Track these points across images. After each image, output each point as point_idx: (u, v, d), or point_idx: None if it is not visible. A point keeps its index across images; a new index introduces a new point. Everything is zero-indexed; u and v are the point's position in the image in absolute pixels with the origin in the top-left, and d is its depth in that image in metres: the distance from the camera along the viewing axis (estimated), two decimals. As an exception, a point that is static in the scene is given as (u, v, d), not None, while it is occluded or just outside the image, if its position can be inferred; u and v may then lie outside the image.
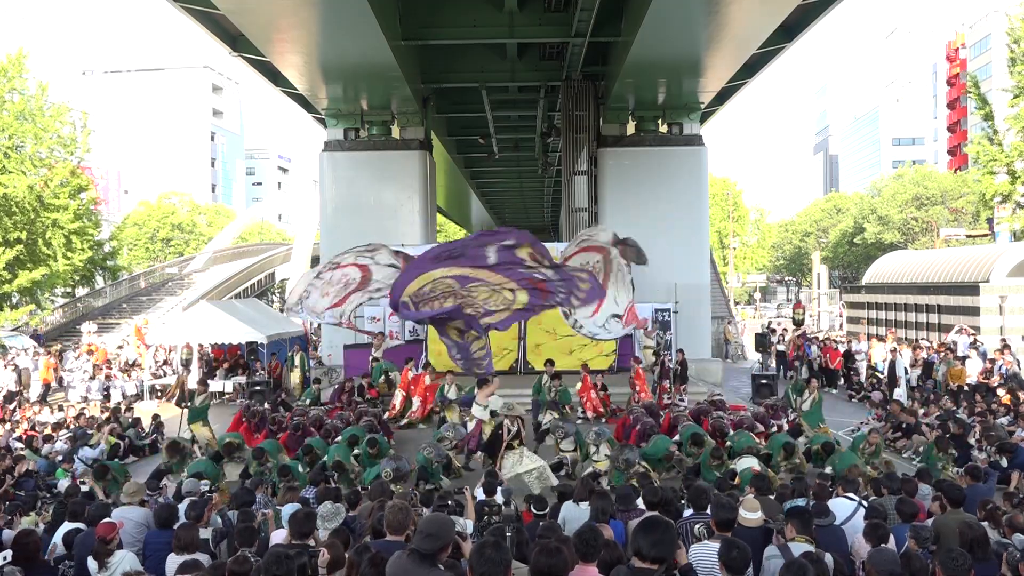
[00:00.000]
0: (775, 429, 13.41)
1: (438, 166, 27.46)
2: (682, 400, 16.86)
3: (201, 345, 20.72)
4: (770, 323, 30.71)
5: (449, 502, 6.91)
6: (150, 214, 65.61)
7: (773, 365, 23.80)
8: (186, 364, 20.42)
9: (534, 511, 7.15)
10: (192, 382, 16.46)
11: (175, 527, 6.53)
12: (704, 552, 5.46)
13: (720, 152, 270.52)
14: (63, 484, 10.93)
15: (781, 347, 23.65)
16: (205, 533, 6.69)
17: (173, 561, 5.89)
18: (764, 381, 19.06)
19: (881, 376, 19.15)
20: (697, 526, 6.13)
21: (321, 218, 24.69)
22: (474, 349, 8.93)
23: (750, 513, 6.07)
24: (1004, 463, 11.09)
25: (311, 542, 5.69)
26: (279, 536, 6.35)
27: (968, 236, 48.75)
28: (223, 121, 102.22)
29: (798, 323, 20.50)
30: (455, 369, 12.75)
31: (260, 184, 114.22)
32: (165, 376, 21.04)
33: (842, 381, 21.37)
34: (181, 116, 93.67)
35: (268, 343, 19.77)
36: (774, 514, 6.41)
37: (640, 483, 8.42)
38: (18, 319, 29.25)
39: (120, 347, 25.94)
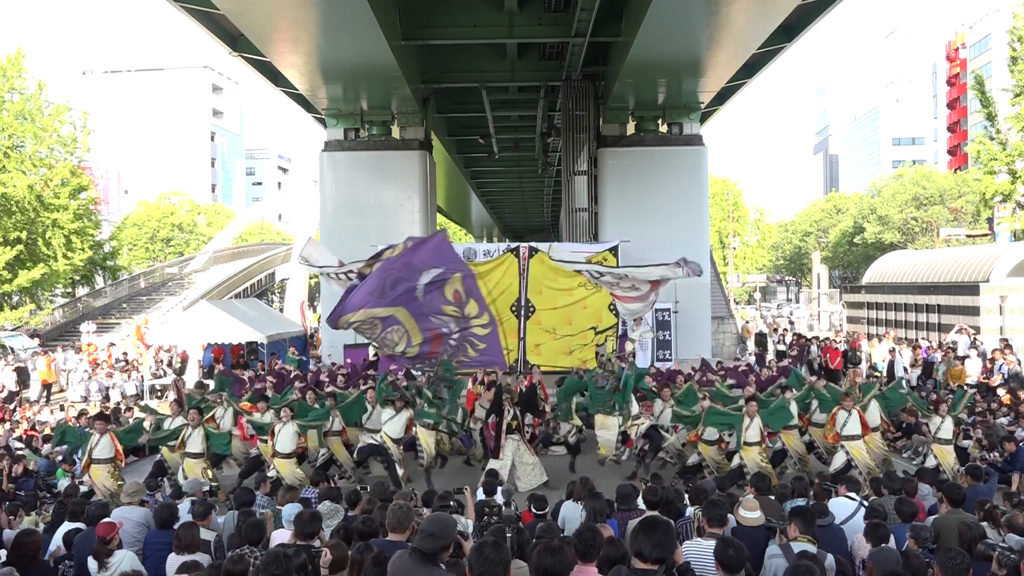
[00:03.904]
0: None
1: (438, 166, 27.45)
2: None
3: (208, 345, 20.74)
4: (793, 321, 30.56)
5: (450, 502, 6.91)
6: (150, 214, 65.55)
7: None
8: (179, 372, 20.41)
9: (534, 511, 7.16)
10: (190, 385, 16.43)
11: (175, 527, 6.52)
12: (697, 549, 5.45)
13: (720, 152, 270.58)
14: (63, 484, 10.94)
15: (781, 347, 23.65)
16: (207, 534, 6.68)
17: (173, 561, 5.88)
18: (764, 381, 19.02)
19: (881, 376, 19.14)
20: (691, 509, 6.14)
21: (321, 218, 24.68)
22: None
23: (750, 512, 6.08)
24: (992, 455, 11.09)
25: (316, 542, 5.69)
26: (281, 536, 6.34)
27: (968, 236, 48.69)
28: (223, 121, 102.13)
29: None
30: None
31: (260, 184, 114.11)
32: (165, 376, 21.04)
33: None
34: (181, 116, 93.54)
35: (268, 343, 19.79)
36: (775, 514, 6.41)
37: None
38: (18, 319, 29.27)
39: (126, 343, 25.91)
